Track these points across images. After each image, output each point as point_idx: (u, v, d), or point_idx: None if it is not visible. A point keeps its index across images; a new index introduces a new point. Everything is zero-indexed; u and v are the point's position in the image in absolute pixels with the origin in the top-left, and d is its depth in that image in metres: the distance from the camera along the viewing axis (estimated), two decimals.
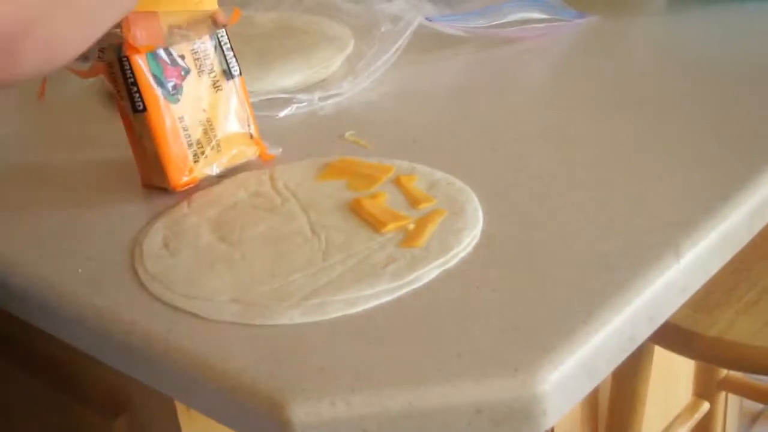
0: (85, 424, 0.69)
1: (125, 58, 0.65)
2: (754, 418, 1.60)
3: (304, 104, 0.83)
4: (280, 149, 0.74)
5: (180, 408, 0.62)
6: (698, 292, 0.58)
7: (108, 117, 0.86)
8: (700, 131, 0.70)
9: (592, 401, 1.17)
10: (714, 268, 0.59)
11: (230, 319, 0.53)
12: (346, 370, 0.48)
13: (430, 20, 0.91)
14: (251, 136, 0.72)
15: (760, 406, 1.60)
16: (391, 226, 0.60)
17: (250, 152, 0.72)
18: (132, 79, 0.65)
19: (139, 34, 0.64)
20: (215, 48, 0.70)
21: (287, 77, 0.86)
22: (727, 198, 0.60)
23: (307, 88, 0.86)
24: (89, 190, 0.72)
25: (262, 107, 0.79)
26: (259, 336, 0.51)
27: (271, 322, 0.52)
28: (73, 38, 0.52)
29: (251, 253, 0.59)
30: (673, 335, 0.86)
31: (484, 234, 0.59)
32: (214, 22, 0.69)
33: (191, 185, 0.69)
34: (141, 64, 0.65)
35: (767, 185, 0.62)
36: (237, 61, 0.71)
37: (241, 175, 0.70)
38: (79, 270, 0.60)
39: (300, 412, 0.46)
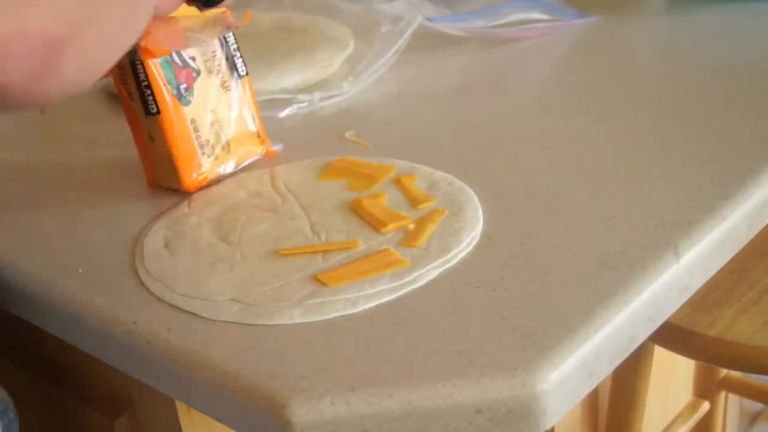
0: (86, 423, 0.69)
1: (138, 62, 0.65)
2: (754, 417, 1.60)
3: (304, 104, 0.83)
4: (281, 145, 0.74)
5: (180, 407, 0.62)
6: (698, 292, 0.58)
7: (108, 117, 0.86)
8: (700, 131, 0.70)
9: (592, 401, 1.17)
10: (714, 268, 0.59)
11: (230, 319, 0.53)
12: (346, 369, 0.48)
13: (430, 20, 0.91)
14: (258, 135, 0.73)
15: (759, 406, 1.60)
16: (391, 226, 0.60)
17: (258, 151, 0.73)
18: (146, 82, 0.65)
19: (161, 39, 0.64)
20: (222, 48, 0.70)
21: (288, 77, 0.86)
22: (727, 198, 0.60)
23: (308, 88, 0.86)
24: (90, 190, 0.72)
25: (262, 107, 0.79)
26: (259, 336, 0.51)
27: (271, 322, 0.52)
28: (105, 53, 0.51)
29: (251, 253, 0.59)
30: (672, 335, 0.86)
31: (484, 234, 0.59)
32: (225, 24, 0.69)
33: (203, 186, 0.69)
34: (154, 67, 0.65)
35: (767, 185, 0.62)
36: (243, 61, 0.71)
37: (242, 175, 0.70)
38: (80, 270, 0.60)
39: (300, 412, 0.46)
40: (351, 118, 0.80)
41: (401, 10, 0.90)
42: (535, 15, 0.98)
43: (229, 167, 0.70)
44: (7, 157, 0.81)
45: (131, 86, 0.66)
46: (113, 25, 0.50)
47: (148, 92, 0.66)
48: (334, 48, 0.90)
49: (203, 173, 0.69)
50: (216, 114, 0.69)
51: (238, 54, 0.71)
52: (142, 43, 0.64)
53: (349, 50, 0.91)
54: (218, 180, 0.70)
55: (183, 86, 0.67)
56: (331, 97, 0.84)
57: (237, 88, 0.71)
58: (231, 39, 0.71)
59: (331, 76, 0.89)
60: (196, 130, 0.68)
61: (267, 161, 0.73)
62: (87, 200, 0.70)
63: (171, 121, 0.67)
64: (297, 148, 0.74)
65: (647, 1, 1.07)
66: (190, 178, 0.68)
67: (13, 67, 0.44)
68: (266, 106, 0.81)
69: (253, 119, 0.72)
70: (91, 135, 0.83)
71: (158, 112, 0.66)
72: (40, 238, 0.65)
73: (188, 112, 0.67)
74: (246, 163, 0.72)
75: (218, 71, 0.70)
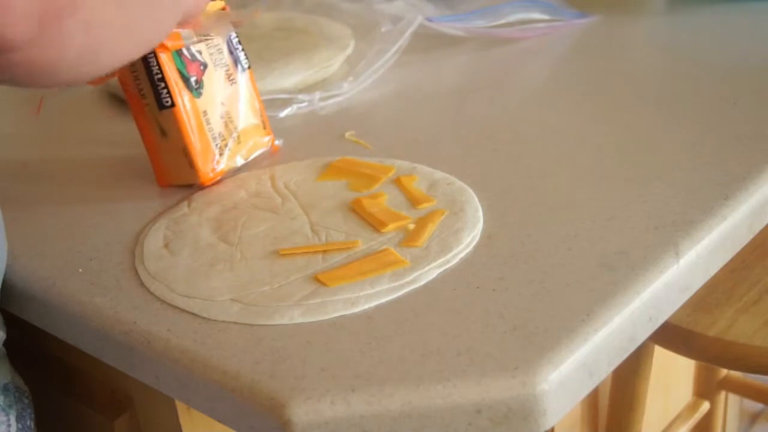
0: (86, 423, 0.69)
1: (151, 55, 0.65)
2: (754, 418, 1.60)
3: (304, 104, 0.83)
4: (282, 140, 0.74)
5: (180, 407, 0.62)
6: (698, 292, 0.58)
7: (107, 117, 0.86)
8: (700, 131, 0.70)
9: (592, 401, 1.17)
10: (714, 268, 0.59)
11: (230, 319, 0.53)
12: (346, 370, 0.48)
13: (430, 20, 0.91)
14: (264, 127, 0.73)
15: (760, 406, 1.61)
16: (391, 226, 0.60)
17: (265, 142, 0.73)
18: (159, 75, 0.66)
19: (207, 25, 0.67)
20: (226, 42, 0.70)
21: (288, 77, 0.86)
22: (727, 198, 0.60)
23: (308, 88, 0.86)
24: (90, 190, 0.72)
25: None
26: (259, 336, 0.51)
27: (271, 322, 0.52)
28: (120, 37, 0.51)
29: (251, 253, 0.59)
30: (673, 335, 0.86)
31: (484, 234, 0.59)
32: (231, 22, 0.70)
33: (218, 178, 0.69)
34: (166, 60, 0.66)
35: (767, 185, 0.62)
36: (246, 54, 0.72)
37: (242, 175, 0.70)
38: (80, 270, 0.60)
39: (300, 412, 0.46)
40: (351, 118, 0.80)
41: (401, 10, 0.90)
42: (535, 15, 0.98)
43: (242, 159, 0.71)
44: (7, 157, 0.81)
45: (143, 82, 0.66)
46: (134, 11, 0.51)
47: (162, 85, 0.66)
48: (334, 48, 0.90)
49: (219, 166, 0.69)
50: (225, 107, 0.70)
51: (240, 47, 0.72)
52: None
53: (349, 50, 0.91)
54: (231, 173, 0.70)
55: (194, 78, 0.67)
56: (331, 97, 0.84)
57: (242, 80, 0.72)
58: (233, 33, 0.71)
59: (331, 76, 0.89)
60: (207, 122, 0.68)
61: (270, 157, 0.73)
62: (87, 200, 0.70)
63: (186, 114, 0.67)
64: (297, 148, 0.74)
65: (647, 1, 1.07)
66: (207, 170, 0.68)
67: (12, 25, 0.44)
68: (266, 106, 0.81)
69: (258, 111, 0.73)
70: (90, 135, 0.83)
71: (173, 104, 0.66)
72: (40, 238, 0.65)
73: (200, 104, 0.68)
74: (255, 155, 0.72)
75: (223, 64, 0.70)
